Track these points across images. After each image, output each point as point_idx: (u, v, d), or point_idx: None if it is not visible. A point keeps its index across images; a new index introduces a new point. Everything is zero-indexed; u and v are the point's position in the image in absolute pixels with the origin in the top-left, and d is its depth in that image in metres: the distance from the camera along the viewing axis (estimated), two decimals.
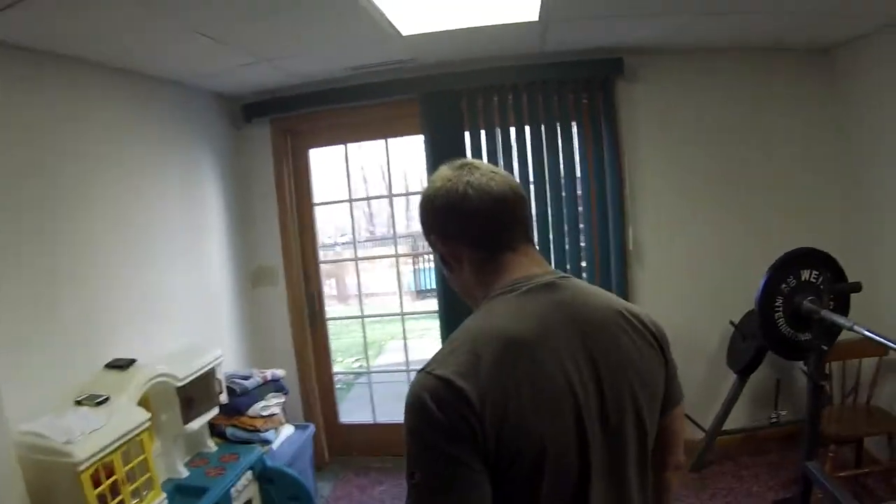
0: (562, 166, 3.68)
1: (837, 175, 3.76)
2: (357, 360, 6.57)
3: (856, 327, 2.37)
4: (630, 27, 3.20)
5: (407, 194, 4.40)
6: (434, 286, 10.59)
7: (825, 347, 2.61)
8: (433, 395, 0.97)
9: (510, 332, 1.03)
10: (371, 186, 10.97)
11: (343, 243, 12.15)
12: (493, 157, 3.67)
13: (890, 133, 3.35)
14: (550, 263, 3.60)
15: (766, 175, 3.77)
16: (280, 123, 3.89)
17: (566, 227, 3.73)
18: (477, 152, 3.67)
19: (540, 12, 2.75)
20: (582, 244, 3.81)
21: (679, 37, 3.41)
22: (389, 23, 2.72)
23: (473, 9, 2.76)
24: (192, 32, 2.53)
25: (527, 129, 3.68)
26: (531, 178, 3.69)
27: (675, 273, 3.82)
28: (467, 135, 3.70)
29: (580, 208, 3.77)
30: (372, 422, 4.35)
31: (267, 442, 3.18)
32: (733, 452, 3.79)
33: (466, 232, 1.15)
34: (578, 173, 3.76)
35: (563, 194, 3.69)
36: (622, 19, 3.05)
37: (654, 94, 3.71)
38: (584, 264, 3.79)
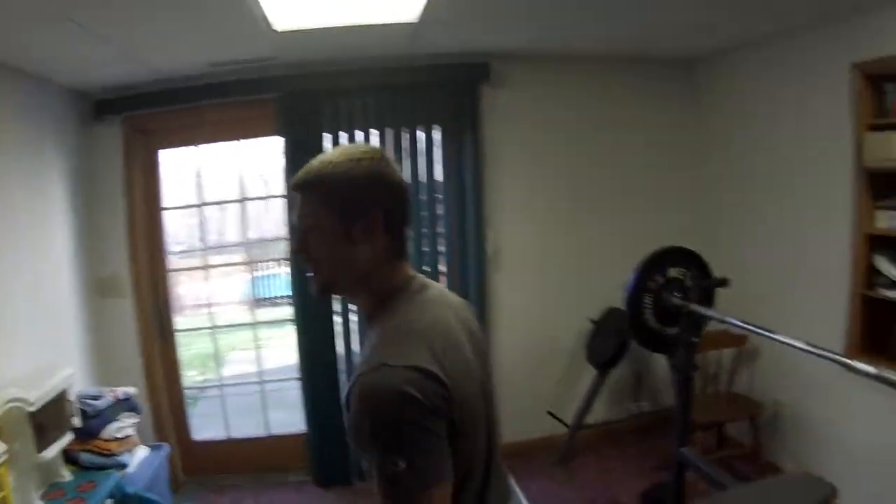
0: (423, 171, 3.73)
1: (695, 180, 4.19)
2: (201, 373, 6.20)
3: (728, 319, 2.57)
4: (502, 32, 3.31)
5: (243, 200, 4.19)
6: (273, 295, 10.29)
7: (695, 340, 2.86)
8: (413, 384, 1.07)
9: (440, 326, 1.23)
10: (217, 191, 10.44)
11: (184, 252, 11.48)
12: None
13: (743, 140, 3.80)
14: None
15: (626, 179, 4.10)
16: (132, 122, 3.60)
17: (425, 231, 3.79)
18: None
19: (422, 14, 2.77)
20: (441, 248, 3.88)
21: (546, 44, 3.58)
22: (265, 17, 2.62)
23: (354, 7, 2.73)
24: (60, 18, 2.29)
25: (388, 132, 3.69)
26: None
27: (534, 275, 4.02)
28: (327, 137, 3.64)
29: (440, 213, 3.84)
30: (226, 437, 4.13)
31: (123, 466, 2.94)
32: (595, 445, 4.02)
33: (385, 203, 1.24)
34: (440, 178, 3.82)
35: (424, 198, 3.75)
36: (498, 24, 3.15)
37: (519, 100, 3.88)
38: (443, 269, 3.86)
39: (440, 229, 3.84)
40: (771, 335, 2.39)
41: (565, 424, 3.91)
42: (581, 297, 4.03)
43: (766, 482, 2.81)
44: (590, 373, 3.94)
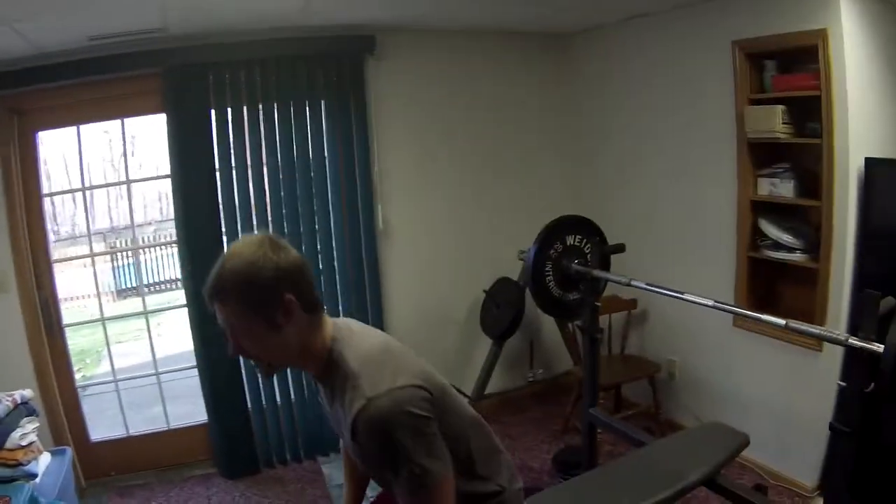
0: (311, 145, 3.64)
1: (582, 151, 4.33)
2: (78, 369, 5.78)
3: (633, 282, 2.70)
4: (388, 7, 3.29)
5: (128, 182, 3.96)
6: (136, 284, 9.78)
7: (598, 304, 3.01)
8: (413, 402, 1.31)
9: (390, 345, 1.49)
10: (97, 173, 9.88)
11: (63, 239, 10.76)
12: (239, 136, 3.50)
13: (619, 112, 3.98)
14: (301, 245, 3.65)
15: (513, 151, 4.18)
16: (6, 101, 3.25)
17: (315, 207, 3.71)
18: (223, 131, 3.47)
19: None
20: (332, 224, 3.79)
21: (433, 17, 3.59)
22: None
23: None
24: None
25: (276, 106, 3.56)
26: (279, 158, 3.59)
27: (425, 249, 4.03)
28: (213, 113, 3.47)
29: (330, 188, 3.75)
30: (125, 435, 3.89)
31: (32, 475, 2.70)
32: (497, 414, 4.09)
33: (293, 287, 1.35)
34: (328, 153, 3.73)
35: (312, 174, 3.67)
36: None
37: (405, 73, 3.85)
38: (334, 244, 3.78)
39: (331, 205, 3.75)
40: (680, 296, 2.54)
41: (467, 396, 3.97)
42: (472, 269, 4.10)
43: (682, 434, 3.01)
44: (484, 343, 4.01)
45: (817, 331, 2.03)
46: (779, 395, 3.29)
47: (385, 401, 1.29)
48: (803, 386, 3.15)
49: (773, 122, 3.04)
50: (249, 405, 3.64)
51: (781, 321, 2.12)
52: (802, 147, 3.07)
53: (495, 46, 4.05)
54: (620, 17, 3.80)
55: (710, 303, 2.43)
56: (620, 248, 3.10)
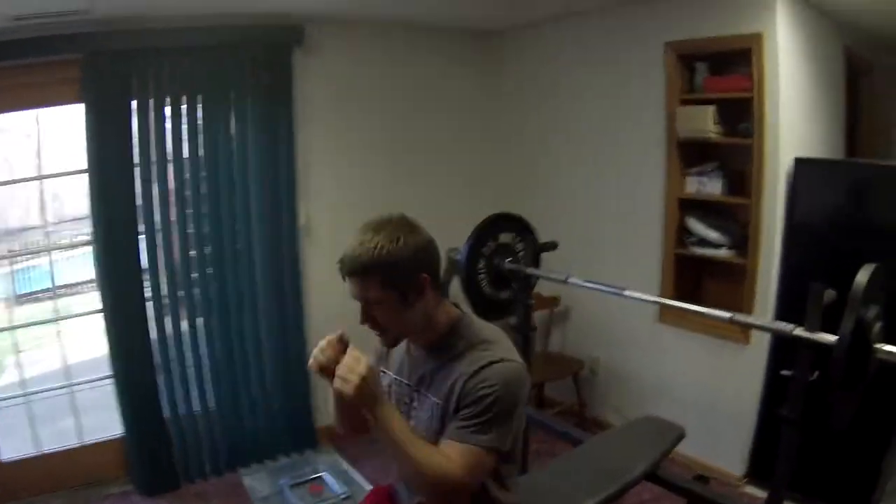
0: (234, 139, 3.45)
1: (511, 148, 4.32)
2: None
3: (570, 279, 2.73)
4: None
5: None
6: (40, 288, 9.10)
7: (532, 301, 3.00)
8: (528, 384, 1.55)
9: (505, 332, 1.62)
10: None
11: None
12: (160, 129, 3.28)
13: (551, 110, 4.00)
14: (222, 240, 3.46)
15: (443, 149, 4.15)
16: None
17: (237, 203, 3.51)
18: (144, 123, 3.24)
19: None
20: (252, 220, 3.58)
21: (361, 8, 3.51)
22: None
23: None
24: None
25: (200, 97, 3.36)
26: (201, 152, 3.38)
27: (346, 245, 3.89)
28: (135, 104, 3.22)
29: (252, 183, 3.55)
30: (37, 453, 3.53)
31: None
32: None
33: (428, 267, 1.52)
34: (252, 147, 3.53)
35: (234, 169, 3.48)
36: None
37: (334, 66, 3.73)
38: (254, 242, 3.58)
39: (252, 201, 3.56)
40: (621, 293, 2.57)
41: None
42: None
43: (619, 430, 3.02)
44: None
45: (763, 323, 2.09)
46: (705, 388, 3.39)
47: (517, 366, 1.48)
48: (730, 378, 3.26)
49: (705, 122, 3.13)
50: (167, 414, 3.40)
51: (726, 314, 2.16)
52: (732, 147, 3.17)
53: (427, 42, 4.00)
54: (549, 15, 3.82)
55: (653, 299, 2.46)
56: (553, 246, 3.10)
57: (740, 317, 2.12)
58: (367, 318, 1.53)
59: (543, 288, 3.53)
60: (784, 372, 1.98)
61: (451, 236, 2.99)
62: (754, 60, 2.87)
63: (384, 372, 1.73)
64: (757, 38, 2.84)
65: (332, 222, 3.80)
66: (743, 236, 3.19)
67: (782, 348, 3.00)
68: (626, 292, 2.56)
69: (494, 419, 1.43)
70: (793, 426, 1.95)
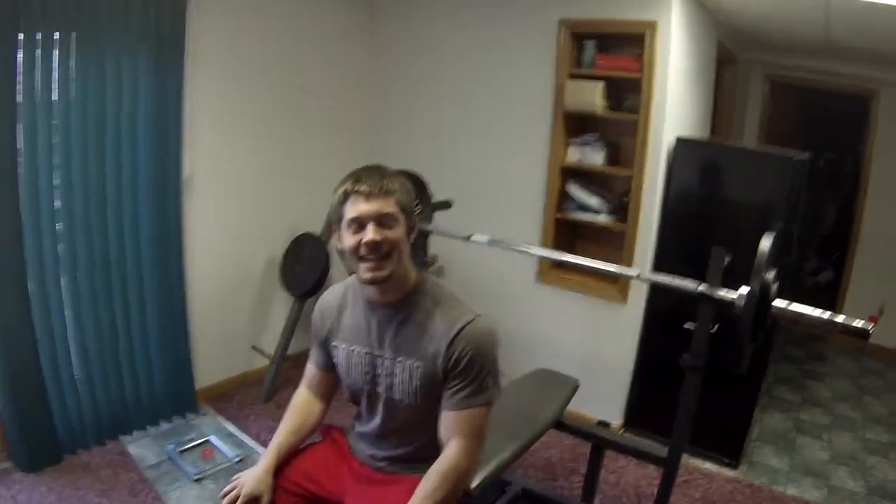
0: (123, 87, 3.14)
1: (393, 110, 4.31)
2: None
3: (474, 238, 2.84)
4: None
5: None
6: None
7: (427, 258, 3.09)
8: (492, 323, 1.68)
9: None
10: None
11: None
12: (47, 68, 2.87)
13: (439, 74, 4.04)
14: (105, 194, 3.16)
15: (326, 109, 4.09)
16: None
17: (122, 154, 3.20)
18: (30, 62, 2.87)
19: None
20: (138, 173, 3.29)
21: None
22: None
23: None
24: None
25: (90, 37, 2.95)
26: (87, 96, 3.01)
27: (229, 203, 3.79)
28: (21, 38, 2.77)
29: (139, 134, 3.26)
30: None
31: None
32: (297, 376, 3.94)
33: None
34: (141, 95, 3.21)
35: (122, 118, 3.18)
36: None
37: (227, 18, 3.54)
38: (138, 195, 3.30)
39: (138, 152, 3.31)
40: (525, 249, 2.77)
41: (268, 357, 3.82)
42: (274, 227, 3.97)
43: (516, 382, 3.15)
44: (282, 301, 3.93)
45: (669, 281, 2.31)
46: (583, 344, 3.68)
47: (489, 321, 1.64)
48: (607, 335, 3.58)
49: (593, 97, 3.35)
50: (46, 381, 3.08)
51: (634, 271, 2.40)
52: (614, 121, 3.44)
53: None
54: None
55: (557, 256, 2.64)
56: (447, 205, 3.21)
57: (648, 274, 2.35)
58: (382, 233, 1.57)
59: None
60: (687, 325, 2.24)
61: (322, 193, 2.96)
62: (647, 45, 3.13)
63: (336, 346, 1.80)
64: (652, 25, 3.10)
65: (216, 178, 3.66)
66: (621, 204, 3.48)
67: (657, 308, 3.37)
68: (531, 249, 2.74)
69: (487, 376, 1.61)
70: (696, 372, 2.22)
